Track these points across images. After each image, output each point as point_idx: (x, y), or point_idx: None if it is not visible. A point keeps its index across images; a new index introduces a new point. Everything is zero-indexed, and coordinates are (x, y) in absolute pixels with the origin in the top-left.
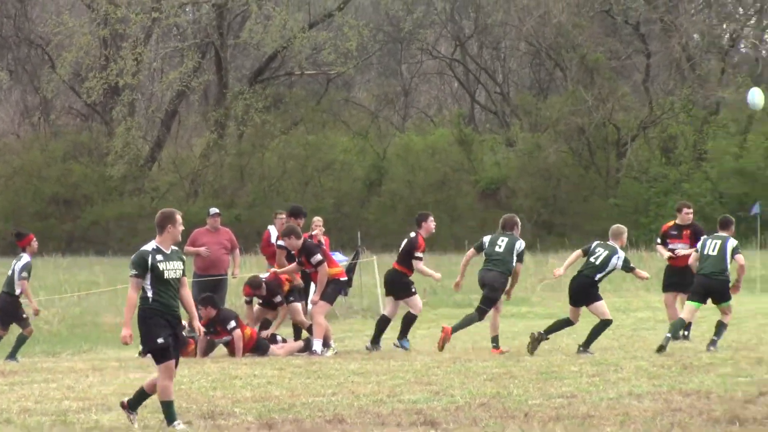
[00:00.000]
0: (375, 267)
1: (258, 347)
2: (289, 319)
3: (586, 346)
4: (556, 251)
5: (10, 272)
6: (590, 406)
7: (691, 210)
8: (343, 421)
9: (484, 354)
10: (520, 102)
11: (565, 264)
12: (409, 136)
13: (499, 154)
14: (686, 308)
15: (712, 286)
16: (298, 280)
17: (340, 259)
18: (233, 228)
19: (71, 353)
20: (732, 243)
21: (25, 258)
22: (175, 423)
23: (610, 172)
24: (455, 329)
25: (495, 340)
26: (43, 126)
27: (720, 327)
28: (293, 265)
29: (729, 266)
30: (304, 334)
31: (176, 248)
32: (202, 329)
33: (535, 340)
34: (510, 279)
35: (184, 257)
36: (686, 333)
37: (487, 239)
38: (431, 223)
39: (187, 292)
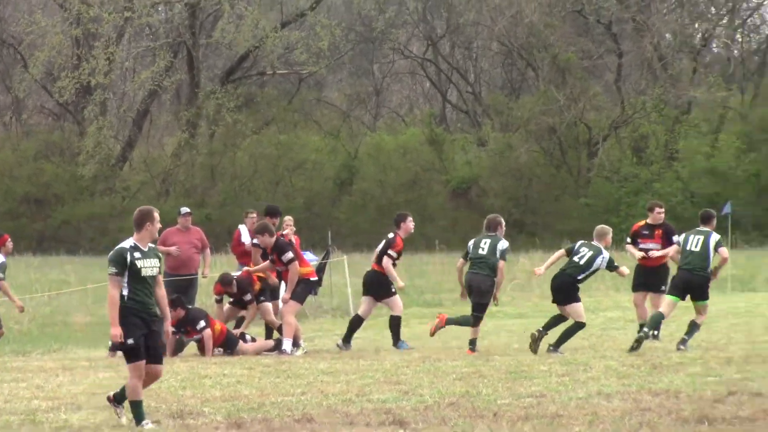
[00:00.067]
0: (345, 266)
1: (227, 342)
2: (260, 318)
3: (556, 346)
4: (526, 251)
5: None
6: (559, 405)
7: (663, 209)
8: (312, 420)
9: (453, 354)
10: (491, 102)
11: (547, 263)
12: (380, 136)
13: (471, 154)
14: (665, 302)
15: (693, 281)
16: (273, 279)
17: (311, 258)
18: (204, 227)
19: (41, 353)
20: (714, 238)
21: (0, 258)
22: (144, 422)
23: (581, 171)
24: (450, 321)
25: (473, 342)
26: (14, 125)
27: (692, 327)
28: (265, 263)
29: (711, 262)
30: (276, 334)
31: (153, 246)
32: (171, 330)
33: (536, 340)
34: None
35: (161, 255)
36: (656, 333)
37: (471, 243)
38: (410, 224)
39: (163, 292)
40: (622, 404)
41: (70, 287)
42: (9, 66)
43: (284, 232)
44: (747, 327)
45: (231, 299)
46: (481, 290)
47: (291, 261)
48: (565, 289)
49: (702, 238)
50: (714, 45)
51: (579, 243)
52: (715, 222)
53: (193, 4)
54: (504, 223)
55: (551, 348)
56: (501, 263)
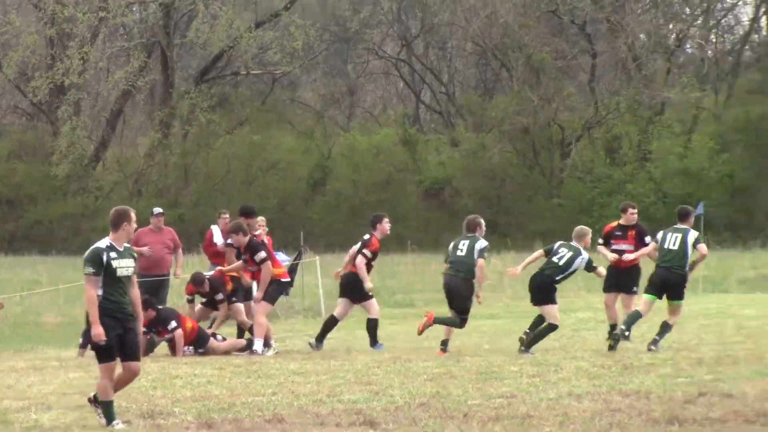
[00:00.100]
0: (318, 267)
1: (198, 340)
2: (233, 319)
3: (528, 346)
4: (498, 251)
5: None
6: (530, 406)
7: (636, 210)
8: (282, 420)
9: (424, 354)
10: (465, 102)
11: (524, 263)
12: (354, 136)
13: (444, 154)
14: (642, 301)
15: (671, 279)
16: (247, 280)
17: (283, 258)
18: (176, 228)
19: (12, 352)
20: (693, 235)
21: None
22: (114, 423)
23: (554, 172)
24: (438, 321)
25: (444, 343)
26: None
27: (664, 327)
28: (238, 263)
29: (689, 260)
30: (247, 334)
31: (128, 246)
32: (142, 330)
33: (525, 348)
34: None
35: (136, 255)
36: (627, 333)
37: (450, 246)
38: (386, 225)
39: (137, 292)
40: (593, 405)
41: (42, 287)
42: None
43: (257, 233)
44: (718, 328)
45: (203, 300)
46: (461, 295)
47: (264, 260)
48: (544, 289)
49: (680, 235)
50: (688, 45)
51: (558, 243)
52: (693, 219)
53: (168, 4)
54: (484, 224)
55: (522, 349)
56: (480, 261)
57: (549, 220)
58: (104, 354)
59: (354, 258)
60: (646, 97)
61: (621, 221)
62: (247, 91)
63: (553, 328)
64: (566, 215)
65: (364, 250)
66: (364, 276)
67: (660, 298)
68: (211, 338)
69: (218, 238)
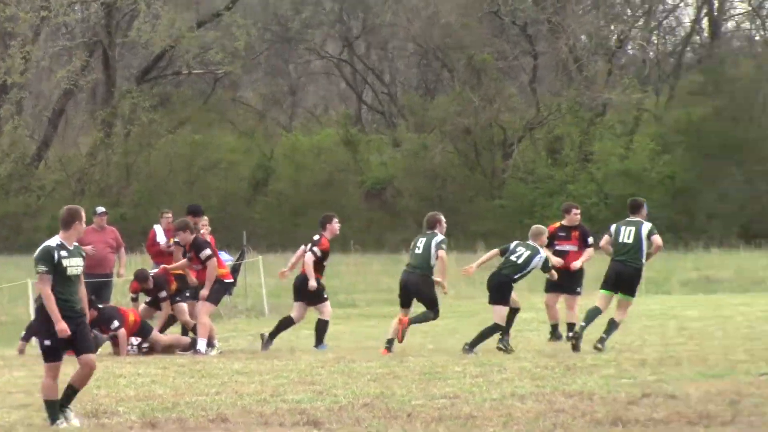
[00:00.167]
0: (260, 267)
1: (142, 330)
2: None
3: (472, 346)
4: None
5: None
6: (473, 406)
7: (579, 211)
8: (226, 420)
9: (368, 354)
10: (406, 102)
11: (478, 262)
12: (295, 136)
13: (385, 155)
14: (599, 297)
15: (625, 273)
16: (193, 279)
17: (226, 258)
18: (119, 227)
19: None
20: (646, 227)
21: None
22: (59, 422)
23: (495, 173)
24: (412, 321)
25: (390, 342)
26: None
27: (611, 325)
28: (183, 261)
29: (645, 253)
30: (191, 334)
31: (77, 245)
32: None
33: (505, 343)
34: (438, 273)
35: (84, 254)
36: (570, 334)
37: (412, 244)
38: (335, 225)
39: (84, 290)
40: (536, 405)
41: None
42: None
43: (200, 232)
44: (661, 329)
45: (147, 299)
46: (422, 291)
47: (209, 258)
48: (501, 288)
49: (634, 228)
50: (629, 47)
51: (514, 243)
52: (645, 211)
53: (110, 4)
54: (444, 220)
55: (466, 347)
56: (441, 252)
57: (491, 220)
58: (50, 353)
59: (303, 258)
60: (587, 98)
61: (564, 222)
62: (189, 90)
63: (498, 328)
64: (508, 216)
65: (314, 248)
66: (310, 273)
67: (615, 293)
68: (154, 330)
69: (161, 238)
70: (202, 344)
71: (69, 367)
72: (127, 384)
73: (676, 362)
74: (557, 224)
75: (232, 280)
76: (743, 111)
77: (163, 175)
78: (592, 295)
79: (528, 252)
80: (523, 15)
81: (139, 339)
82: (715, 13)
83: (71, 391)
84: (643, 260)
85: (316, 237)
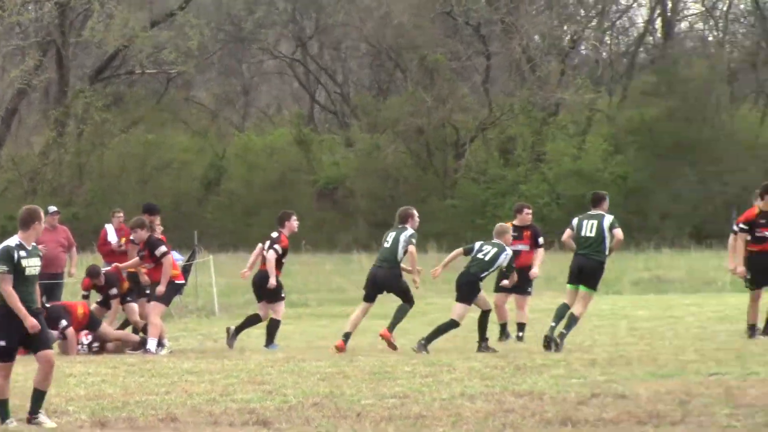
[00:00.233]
0: (211, 267)
1: (91, 323)
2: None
3: (428, 341)
4: None
5: None
6: (423, 406)
7: (531, 211)
8: (176, 419)
9: (318, 354)
10: (359, 102)
11: (444, 262)
12: (248, 136)
13: (338, 154)
14: (567, 293)
15: (587, 266)
16: (145, 278)
17: (177, 258)
18: (71, 226)
19: None
20: (608, 219)
21: None
22: (8, 421)
23: (448, 173)
24: (394, 325)
25: (347, 336)
26: None
27: (571, 320)
28: (135, 259)
29: (608, 246)
30: (141, 333)
31: (35, 245)
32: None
33: (485, 348)
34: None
35: (41, 254)
36: (520, 334)
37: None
38: (294, 222)
39: (38, 290)
40: (486, 405)
41: None
42: None
43: (156, 231)
44: (611, 329)
45: (98, 300)
46: (391, 284)
47: (164, 254)
48: (469, 286)
49: (596, 222)
50: (582, 47)
51: (479, 243)
52: (606, 204)
53: (63, 4)
54: (416, 215)
55: (422, 341)
56: (410, 248)
57: (443, 220)
58: (4, 354)
59: (261, 256)
60: (540, 98)
61: (515, 222)
62: (142, 90)
63: (455, 325)
64: (460, 216)
65: (275, 246)
66: (272, 271)
67: (579, 285)
68: (103, 323)
69: (112, 237)
70: (152, 344)
71: (19, 367)
72: (77, 383)
73: (627, 362)
74: (509, 224)
75: (183, 282)
76: (696, 111)
77: (116, 175)
78: (542, 295)
79: (495, 249)
80: (476, 15)
81: (90, 338)
82: (669, 14)
83: (38, 395)
84: (606, 253)
85: (275, 234)
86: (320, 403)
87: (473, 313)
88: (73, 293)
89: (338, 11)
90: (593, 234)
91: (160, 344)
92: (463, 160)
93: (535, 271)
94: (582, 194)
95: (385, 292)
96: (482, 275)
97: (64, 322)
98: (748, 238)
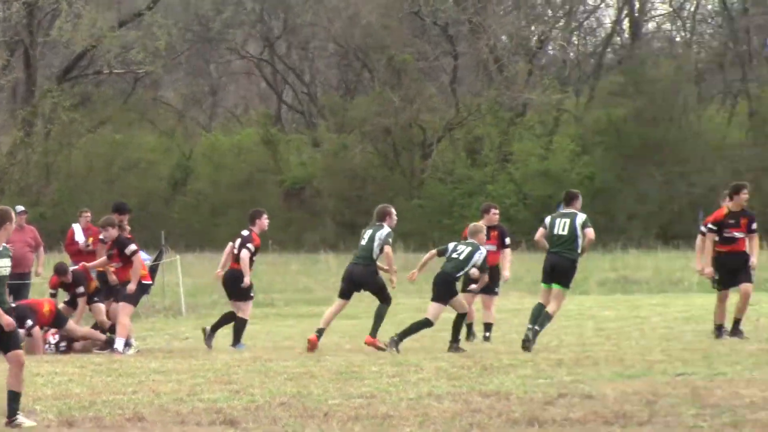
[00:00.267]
0: (178, 266)
1: (57, 321)
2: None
3: (401, 337)
4: None
5: None
6: (390, 406)
7: (498, 211)
8: (143, 419)
9: (285, 354)
10: (326, 102)
11: (419, 265)
12: (215, 136)
13: (305, 154)
14: (541, 293)
15: (560, 264)
16: (113, 278)
17: (144, 257)
18: (38, 226)
19: None
20: (581, 218)
21: None
22: None
23: (415, 173)
24: (376, 329)
25: (321, 332)
26: None
27: (544, 318)
28: (102, 258)
29: (580, 245)
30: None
31: (6, 245)
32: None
33: (455, 348)
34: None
35: (11, 254)
36: (487, 334)
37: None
38: (265, 221)
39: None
40: (453, 405)
41: None
42: None
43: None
44: (578, 329)
45: (66, 299)
46: (367, 281)
47: (135, 253)
48: (445, 286)
49: (568, 220)
50: (550, 47)
51: (452, 244)
52: (579, 203)
53: (31, 3)
54: (394, 213)
55: (395, 338)
56: (386, 248)
57: (410, 221)
58: None
59: (232, 255)
60: (507, 98)
61: (482, 222)
62: (110, 90)
63: (428, 324)
64: (427, 216)
65: (248, 245)
66: (246, 269)
67: (552, 283)
68: (70, 320)
69: (79, 237)
70: (120, 343)
71: None
72: (45, 383)
73: (593, 362)
74: (482, 224)
75: (150, 282)
76: (663, 112)
77: (83, 175)
78: (508, 296)
79: (469, 248)
80: (444, 15)
81: (57, 338)
82: (636, 14)
83: (13, 396)
84: (579, 251)
85: (246, 233)
86: (287, 402)
87: (445, 313)
88: (40, 293)
89: (306, 11)
90: (566, 232)
91: (127, 344)
92: (430, 160)
93: (506, 274)
94: (549, 195)
95: (362, 290)
96: (458, 275)
97: (29, 322)
98: (717, 238)
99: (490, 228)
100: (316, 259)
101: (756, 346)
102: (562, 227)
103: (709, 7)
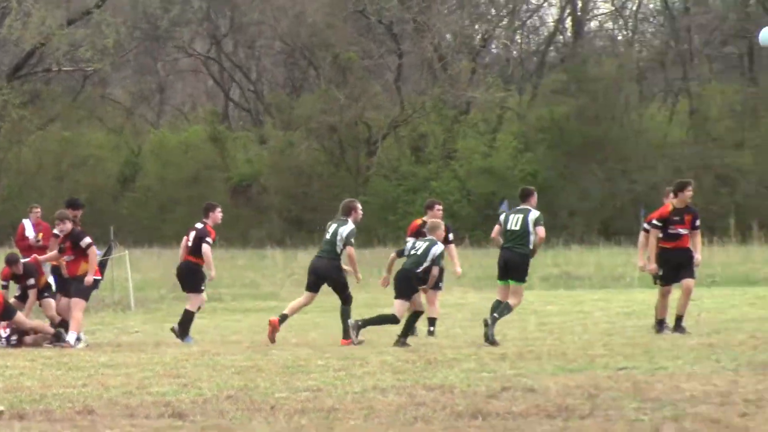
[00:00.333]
0: (127, 261)
1: (6, 313)
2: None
3: (364, 324)
4: (306, 247)
5: None
6: (336, 399)
7: (442, 207)
8: (92, 412)
9: (232, 348)
10: (273, 100)
11: (387, 269)
12: (163, 133)
13: (252, 152)
14: (498, 289)
15: (512, 259)
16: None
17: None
18: None
19: None
20: (534, 215)
21: None
22: None
23: (360, 170)
24: (347, 335)
25: (284, 317)
26: None
27: (504, 308)
28: (54, 252)
29: (532, 241)
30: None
31: None
32: None
33: (402, 343)
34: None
35: None
36: (431, 329)
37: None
38: (218, 214)
39: None
40: (398, 399)
41: None
42: None
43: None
44: (521, 324)
45: (16, 294)
46: (331, 276)
47: (90, 245)
48: (406, 281)
49: (521, 216)
50: (493, 46)
51: (409, 243)
52: (534, 199)
53: None
54: (359, 208)
55: (359, 322)
56: (348, 249)
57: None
58: None
59: (186, 248)
60: (451, 96)
61: (426, 218)
62: (59, 87)
63: (395, 320)
64: (372, 212)
65: (208, 239)
66: (210, 263)
67: (507, 279)
68: (18, 312)
69: (30, 232)
70: (72, 337)
71: None
72: None
73: (536, 356)
74: (419, 221)
75: (100, 277)
76: (605, 110)
77: (33, 171)
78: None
79: (426, 244)
80: (388, 14)
81: (8, 332)
82: (579, 13)
83: None
84: (530, 246)
85: (200, 225)
86: (235, 396)
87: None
88: None
89: (253, 10)
90: (518, 227)
91: (77, 338)
92: (375, 157)
93: (458, 270)
94: (492, 191)
95: (326, 285)
96: (418, 270)
97: None
98: (661, 235)
99: None
100: (263, 254)
101: (696, 341)
102: (514, 223)
103: (651, 6)
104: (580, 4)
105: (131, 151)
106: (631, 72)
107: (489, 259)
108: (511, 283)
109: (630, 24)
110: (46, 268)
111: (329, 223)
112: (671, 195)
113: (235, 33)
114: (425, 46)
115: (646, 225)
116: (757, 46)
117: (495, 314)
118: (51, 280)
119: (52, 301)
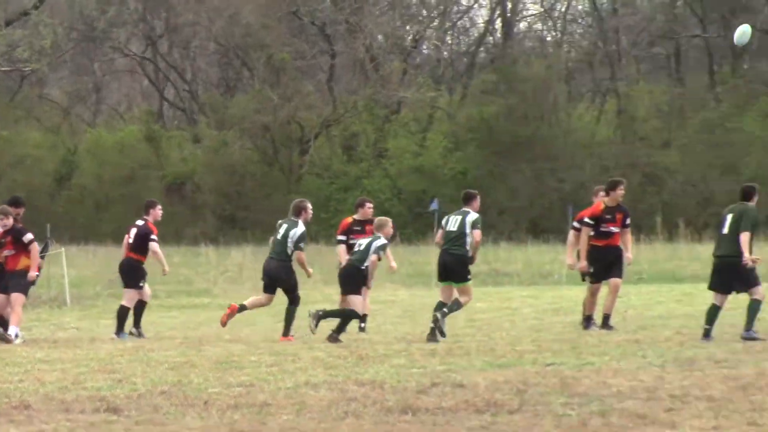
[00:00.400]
0: (63, 259)
1: None
2: None
3: (324, 316)
4: (238, 244)
5: None
6: (268, 394)
7: (372, 205)
8: (29, 407)
9: (166, 344)
10: (207, 100)
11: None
12: (99, 132)
13: (186, 151)
14: (441, 290)
15: (449, 261)
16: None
17: None
18: None
19: None
20: (471, 217)
21: None
22: None
23: (293, 168)
24: (287, 333)
25: (243, 306)
26: None
27: (455, 304)
28: None
29: (468, 242)
30: None
31: None
32: None
33: (334, 339)
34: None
35: None
36: (362, 325)
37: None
38: (159, 211)
39: None
40: (329, 394)
41: None
42: None
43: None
44: (450, 321)
45: None
46: (281, 277)
47: (32, 241)
48: (352, 276)
49: (460, 218)
50: (424, 46)
51: (357, 242)
52: (477, 203)
53: None
54: (309, 208)
55: (319, 312)
56: (298, 254)
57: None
58: None
59: (127, 244)
60: (382, 96)
61: (357, 216)
62: None
63: (356, 315)
64: None
65: (153, 236)
66: (162, 260)
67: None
68: None
69: None
70: (13, 331)
71: None
72: None
73: (465, 352)
74: (350, 219)
75: (37, 274)
76: (534, 110)
77: None
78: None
79: (368, 239)
80: (321, 15)
81: None
82: (508, 15)
83: None
84: (467, 248)
85: (141, 222)
86: (168, 391)
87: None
88: None
89: (187, 11)
90: (455, 229)
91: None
92: (308, 156)
93: (393, 265)
94: (423, 189)
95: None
96: (362, 266)
97: None
98: (592, 233)
99: (365, 222)
100: (197, 252)
101: (623, 337)
102: (453, 224)
103: (580, 7)
104: (509, 6)
105: (68, 150)
106: (559, 72)
107: (419, 257)
108: (455, 285)
109: (559, 25)
110: None
111: (279, 222)
112: (602, 193)
113: (170, 34)
114: (357, 47)
115: (575, 223)
116: (684, 47)
117: (445, 309)
118: None
119: None
